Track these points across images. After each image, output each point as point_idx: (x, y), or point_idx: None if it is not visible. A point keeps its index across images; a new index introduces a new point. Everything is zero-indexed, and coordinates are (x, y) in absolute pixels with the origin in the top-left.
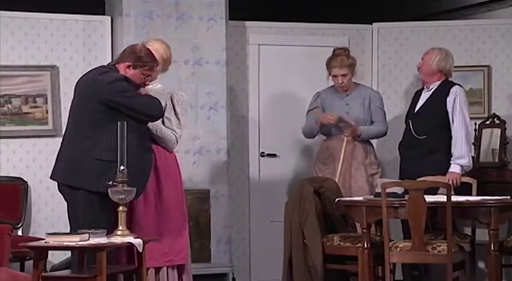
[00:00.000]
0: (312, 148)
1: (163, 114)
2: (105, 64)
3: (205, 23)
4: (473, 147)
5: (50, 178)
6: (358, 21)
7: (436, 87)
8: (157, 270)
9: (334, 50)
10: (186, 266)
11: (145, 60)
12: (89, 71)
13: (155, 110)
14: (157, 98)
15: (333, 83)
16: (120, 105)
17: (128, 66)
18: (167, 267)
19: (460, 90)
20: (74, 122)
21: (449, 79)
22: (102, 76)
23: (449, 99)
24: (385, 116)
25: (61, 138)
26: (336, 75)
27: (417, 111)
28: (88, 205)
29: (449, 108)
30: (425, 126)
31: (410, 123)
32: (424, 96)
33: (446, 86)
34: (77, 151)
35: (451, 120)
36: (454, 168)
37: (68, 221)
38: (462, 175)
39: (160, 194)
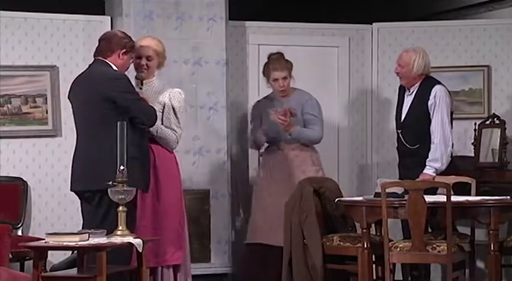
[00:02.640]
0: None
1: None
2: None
3: (205, 23)
4: (450, 148)
5: (71, 190)
6: (358, 21)
7: (416, 89)
8: (152, 270)
9: (269, 55)
10: (182, 266)
11: (131, 41)
12: (85, 71)
13: (150, 119)
14: (153, 108)
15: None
16: (117, 104)
17: (124, 53)
18: (162, 267)
19: (439, 91)
20: (84, 129)
21: (429, 75)
22: (104, 73)
23: (430, 103)
24: (320, 124)
25: (61, 139)
26: (276, 78)
27: (403, 120)
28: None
29: (431, 111)
30: (414, 136)
31: (400, 134)
32: (407, 100)
33: (427, 87)
34: (96, 155)
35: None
36: (428, 170)
37: (66, 222)
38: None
39: (158, 194)
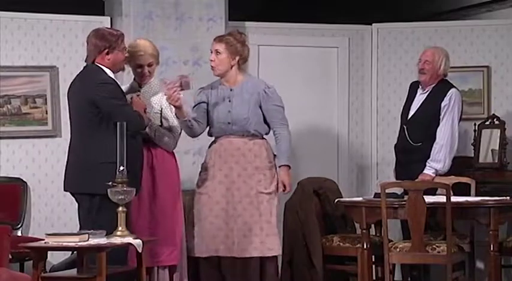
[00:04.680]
0: (311, 148)
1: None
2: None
3: (205, 23)
4: (454, 151)
5: (64, 190)
6: (358, 22)
7: (431, 89)
8: (148, 270)
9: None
10: (178, 266)
11: (113, 36)
12: (78, 74)
13: (134, 125)
14: (140, 114)
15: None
16: (101, 109)
17: (107, 53)
18: (158, 267)
19: (455, 94)
20: (75, 131)
21: (446, 78)
22: (91, 77)
23: (444, 104)
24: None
25: (60, 139)
26: (211, 49)
27: (412, 116)
28: (106, 208)
29: (442, 112)
30: (420, 134)
31: (405, 129)
32: (419, 98)
33: (442, 89)
34: (84, 158)
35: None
36: (428, 170)
37: (66, 222)
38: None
39: (155, 194)
